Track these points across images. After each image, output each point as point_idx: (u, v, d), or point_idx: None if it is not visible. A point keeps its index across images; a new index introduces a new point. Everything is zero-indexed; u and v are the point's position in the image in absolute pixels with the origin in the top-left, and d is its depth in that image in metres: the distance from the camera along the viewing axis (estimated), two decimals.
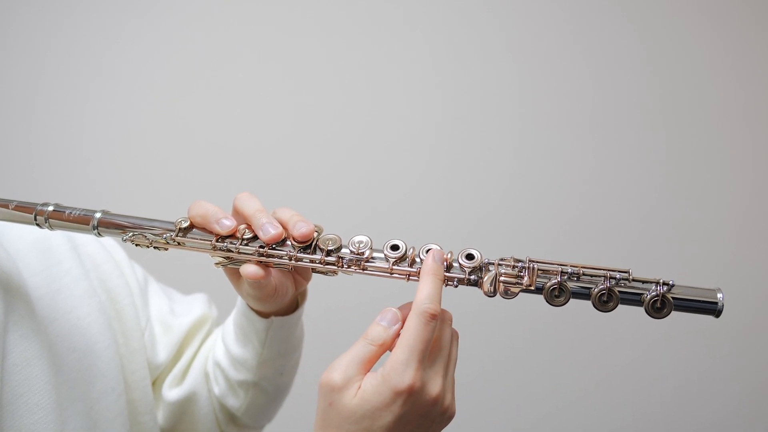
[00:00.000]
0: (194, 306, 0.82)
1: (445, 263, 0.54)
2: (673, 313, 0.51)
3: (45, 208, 0.60)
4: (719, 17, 1.46)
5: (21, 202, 0.60)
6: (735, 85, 1.47)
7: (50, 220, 0.59)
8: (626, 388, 1.51)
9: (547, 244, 1.47)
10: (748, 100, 1.47)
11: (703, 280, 1.49)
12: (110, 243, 0.76)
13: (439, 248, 0.55)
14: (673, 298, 0.51)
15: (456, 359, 0.55)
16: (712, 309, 0.51)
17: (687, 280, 1.65)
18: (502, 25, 1.44)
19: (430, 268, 0.53)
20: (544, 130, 1.45)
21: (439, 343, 0.53)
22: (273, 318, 0.69)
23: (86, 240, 0.72)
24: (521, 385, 1.50)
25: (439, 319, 0.51)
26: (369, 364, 0.52)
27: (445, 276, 0.54)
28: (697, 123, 1.47)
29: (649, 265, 1.48)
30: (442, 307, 0.53)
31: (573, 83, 1.45)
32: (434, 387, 0.51)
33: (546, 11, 1.44)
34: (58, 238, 0.69)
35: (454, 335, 0.56)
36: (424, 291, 0.51)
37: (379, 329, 0.53)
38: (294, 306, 0.72)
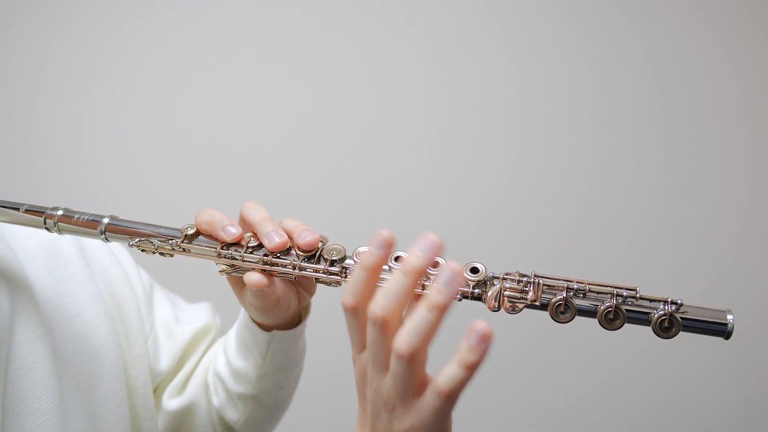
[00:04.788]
0: (199, 315, 0.82)
1: (381, 256, 0.48)
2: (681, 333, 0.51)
3: (54, 212, 0.60)
4: (719, 17, 1.46)
5: (31, 205, 0.61)
6: (735, 85, 1.47)
7: (59, 224, 0.60)
8: (626, 388, 1.52)
9: (548, 244, 1.47)
10: (748, 100, 1.47)
11: (702, 280, 1.50)
12: (117, 247, 0.76)
13: (385, 236, 0.48)
14: (681, 318, 0.50)
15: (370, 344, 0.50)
16: (721, 331, 0.50)
17: (686, 280, 1.65)
18: (502, 26, 1.44)
19: (360, 260, 0.48)
20: (544, 130, 1.46)
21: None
22: (275, 331, 0.69)
23: (94, 244, 0.72)
24: (521, 385, 1.51)
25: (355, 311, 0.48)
26: None
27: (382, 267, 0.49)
28: (697, 123, 1.47)
29: (648, 265, 1.48)
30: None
31: (573, 83, 1.45)
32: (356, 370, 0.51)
33: (546, 11, 1.44)
34: (66, 241, 0.69)
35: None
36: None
37: None
38: (297, 320, 0.71)
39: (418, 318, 0.45)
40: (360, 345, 0.49)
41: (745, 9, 1.46)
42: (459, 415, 0.50)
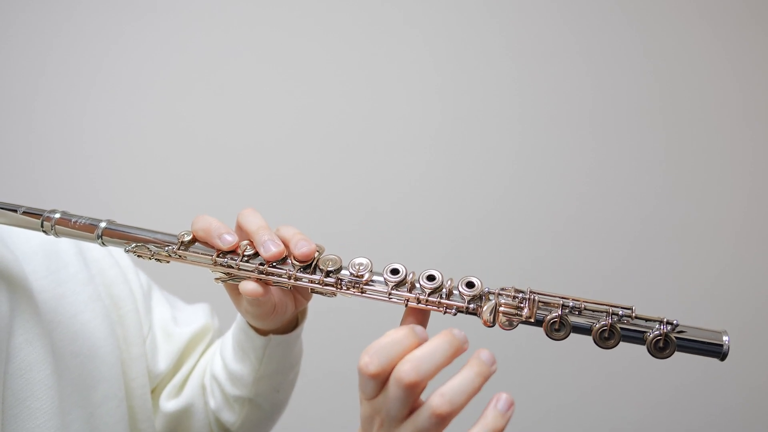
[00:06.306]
0: (197, 316, 0.82)
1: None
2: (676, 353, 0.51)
3: (52, 215, 0.60)
4: (719, 17, 1.46)
5: (29, 208, 0.61)
6: (735, 85, 1.47)
7: (56, 227, 0.60)
8: (626, 388, 1.52)
9: (547, 244, 1.47)
10: (748, 100, 1.47)
11: (702, 280, 1.50)
12: (116, 249, 0.76)
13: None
14: (676, 338, 0.50)
15: None
16: (717, 352, 0.50)
17: (686, 280, 1.64)
18: (502, 26, 1.44)
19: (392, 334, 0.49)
20: (544, 130, 1.46)
21: None
22: (271, 336, 0.69)
23: (92, 245, 0.73)
24: (521, 384, 1.51)
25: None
26: None
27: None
28: (697, 123, 1.47)
29: (648, 266, 1.48)
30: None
31: (573, 83, 1.45)
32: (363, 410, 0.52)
33: (546, 12, 1.44)
34: (65, 243, 0.69)
35: None
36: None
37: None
38: (294, 324, 0.71)
39: (464, 378, 0.47)
40: (371, 395, 0.49)
41: (745, 9, 1.45)
42: (458, 415, 0.50)
